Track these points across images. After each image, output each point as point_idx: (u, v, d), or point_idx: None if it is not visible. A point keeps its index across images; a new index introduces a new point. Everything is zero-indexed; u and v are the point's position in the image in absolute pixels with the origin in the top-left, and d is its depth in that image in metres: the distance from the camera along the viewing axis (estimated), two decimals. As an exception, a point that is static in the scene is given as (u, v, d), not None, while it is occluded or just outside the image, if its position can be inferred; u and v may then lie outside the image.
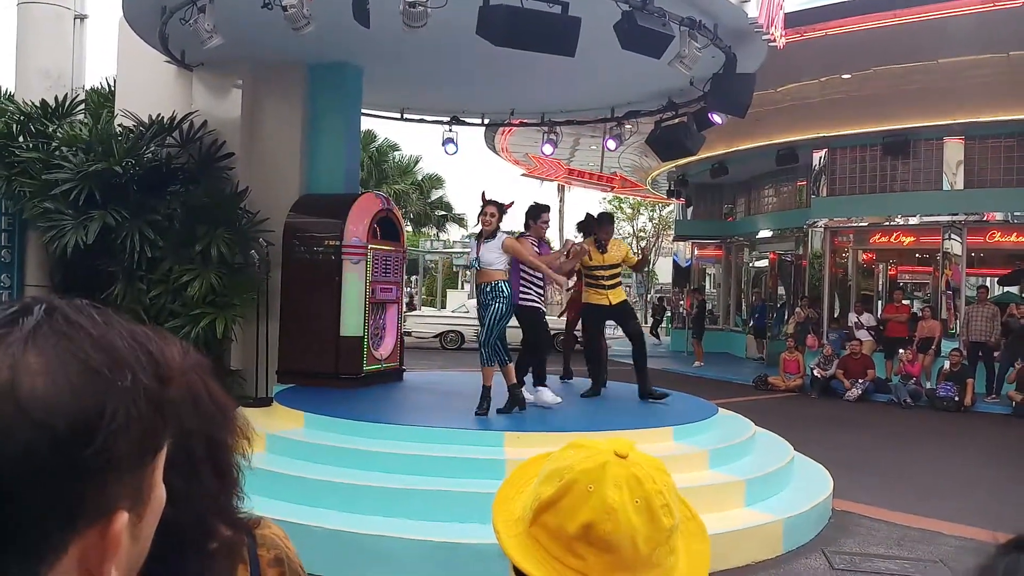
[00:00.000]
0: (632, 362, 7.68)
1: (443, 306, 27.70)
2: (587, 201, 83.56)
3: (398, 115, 10.85)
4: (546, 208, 7.58)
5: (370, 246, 8.11)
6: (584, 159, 21.79)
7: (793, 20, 9.67)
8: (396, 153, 24.52)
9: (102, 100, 9.49)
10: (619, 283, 7.77)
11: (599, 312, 7.64)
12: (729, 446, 6.42)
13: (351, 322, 7.97)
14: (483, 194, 6.66)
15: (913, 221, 15.47)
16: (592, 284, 7.59)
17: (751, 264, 21.73)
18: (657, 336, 23.78)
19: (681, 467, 5.66)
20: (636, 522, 0.88)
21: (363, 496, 5.28)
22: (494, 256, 6.41)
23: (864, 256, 17.10)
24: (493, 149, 20.13)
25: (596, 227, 7.75)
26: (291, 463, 5.70)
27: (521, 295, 6.87)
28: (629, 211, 39.26)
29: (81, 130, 8.29)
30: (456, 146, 10.82)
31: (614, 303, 7.56)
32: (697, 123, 8.72)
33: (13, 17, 9.46)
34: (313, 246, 8.12)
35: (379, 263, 8.29)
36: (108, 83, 9.83)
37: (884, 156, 15.40)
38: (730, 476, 5.90)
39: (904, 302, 15.27)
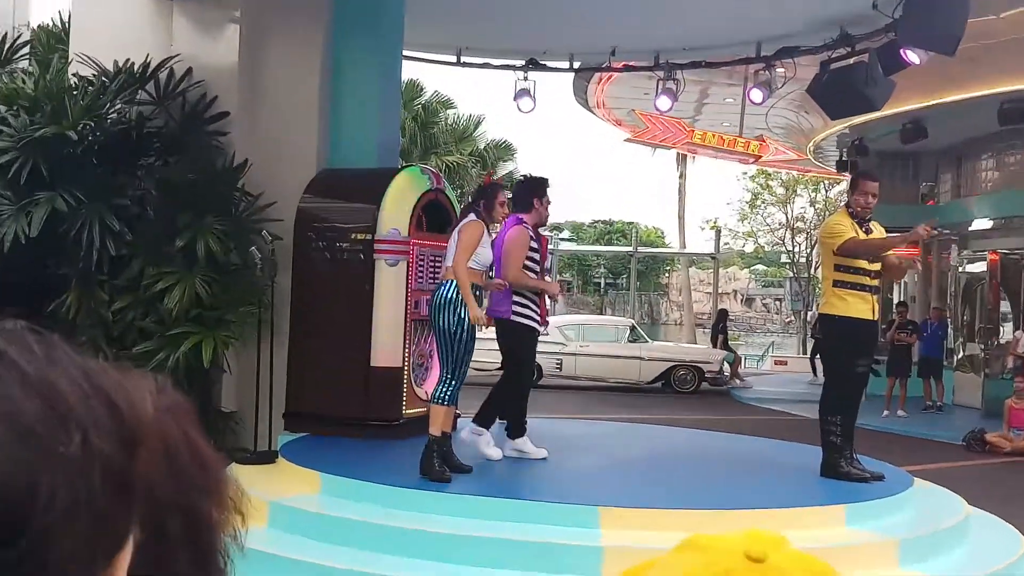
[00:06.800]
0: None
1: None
2: (717, 176, 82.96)
3: (454, 58, 10.96)
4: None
5: (413, 241, 8.20)
6: (716, 118, 21.63)
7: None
8: (450, 112, 24.72)
9: (52, 42, 9.84)
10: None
11: (870, 331, 6.79)
12: (929, 535, 6.30)
13: (386, 347, 8.05)
14: (491, 175, 6.76)
15: None
16: (851, 286, 6.50)
17: (961, 268, 21.15)
18: (815, 369, 22.94)
19: (858, 564, 5.51)
20: None
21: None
22: None
23: None
24: (585, 104, 20.16)
25: (852, 190, 7.06)
26: (302, 543, 5.77)
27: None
28: (781, 192, 38.80)
29: (24, 82, 8.58)
30: (533, 101, 10.90)
31: (876, 317, 6.83)
32: (882, 64, 8.56)
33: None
34: (335, 241, 8.23)
35: (425, 265, 8.36)
36: (60, 19, 10.18)
37: None
38: (930, 578, 5.75)
39: None
